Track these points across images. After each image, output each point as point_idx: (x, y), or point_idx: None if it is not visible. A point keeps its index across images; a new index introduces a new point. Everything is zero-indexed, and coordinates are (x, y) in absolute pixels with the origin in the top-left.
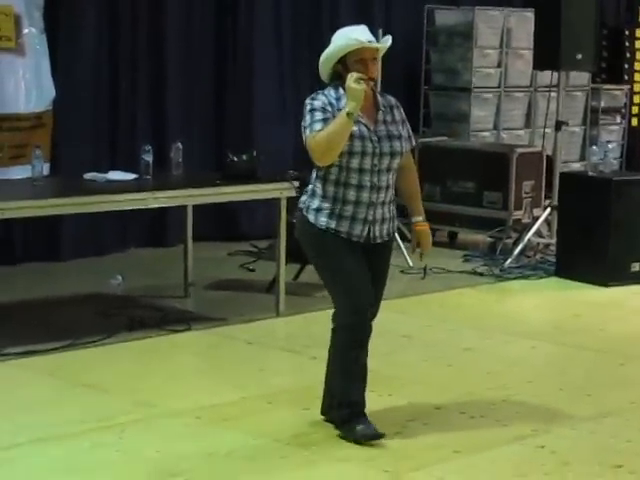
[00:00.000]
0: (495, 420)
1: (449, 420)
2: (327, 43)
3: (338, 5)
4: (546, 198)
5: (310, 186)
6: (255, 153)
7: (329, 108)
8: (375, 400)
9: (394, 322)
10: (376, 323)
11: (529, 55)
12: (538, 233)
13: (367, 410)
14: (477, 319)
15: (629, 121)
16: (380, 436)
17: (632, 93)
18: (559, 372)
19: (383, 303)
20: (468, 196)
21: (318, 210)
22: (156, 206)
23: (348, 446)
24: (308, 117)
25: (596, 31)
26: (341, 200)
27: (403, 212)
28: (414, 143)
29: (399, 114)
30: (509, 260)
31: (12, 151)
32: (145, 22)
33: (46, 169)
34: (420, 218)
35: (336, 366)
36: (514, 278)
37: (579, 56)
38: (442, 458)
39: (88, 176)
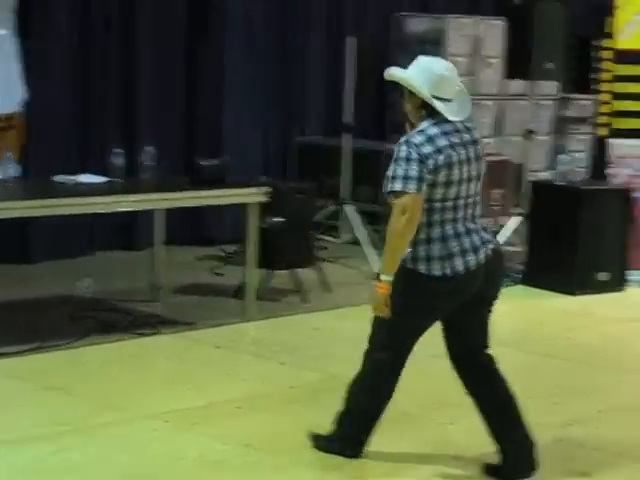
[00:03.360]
0: (463, 427)
1: (418, 427)
2: (296, 49)
3: (309, 13)
4: (514, 206)
5: None
6: (225, 158)
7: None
8: None
9: (363, 328)
10: (345, 330)
11: (499, 64)
12: (506, 241)
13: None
14: None
15: (597, 131)
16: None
17: (600, 103)
18: (526, 380)
19: (351, 309)
20: None
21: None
22: (126, 210)
23: (318, 452)
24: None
25: (566, 40)
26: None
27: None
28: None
29: None
30: None
31: None
32: (118, 26)
33: (16, 171)
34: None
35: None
36: None
37: (549, 65)
38: (410, 465)
39: (58, 178)
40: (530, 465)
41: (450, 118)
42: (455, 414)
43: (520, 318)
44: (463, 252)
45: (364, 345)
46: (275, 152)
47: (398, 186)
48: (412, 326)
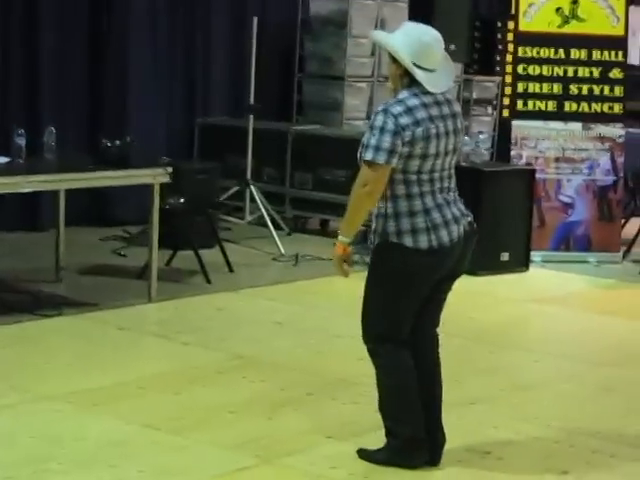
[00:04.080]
0: (365, 406)
1: (321, 406)
2: (200, 30)
3: None
4: None
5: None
6: (129, 139)
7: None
8: (247, 386)
9: (266, 309)
10: (248, 310)
11: None
12: None
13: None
14: (348, 306)
15: (500, 112)
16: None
17: (503, 85)
18: None
19: (254, 290)
20: (340, 184)
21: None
22: (28, 190)
23: (219, 431)
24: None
25: (470, 22)
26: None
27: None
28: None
29: None
30: None
31: None
32: (19, 4)
33: None
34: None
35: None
36: None
37: (452, 47)
38: (313, 444)
39: None
40: (434, 460)
41: (431, 90)
42: (357, 393)
43: None
44: (446, 223)
45: (267, 325)
46: (179, 133)
47: (368, 155)
48: (405, 307)
